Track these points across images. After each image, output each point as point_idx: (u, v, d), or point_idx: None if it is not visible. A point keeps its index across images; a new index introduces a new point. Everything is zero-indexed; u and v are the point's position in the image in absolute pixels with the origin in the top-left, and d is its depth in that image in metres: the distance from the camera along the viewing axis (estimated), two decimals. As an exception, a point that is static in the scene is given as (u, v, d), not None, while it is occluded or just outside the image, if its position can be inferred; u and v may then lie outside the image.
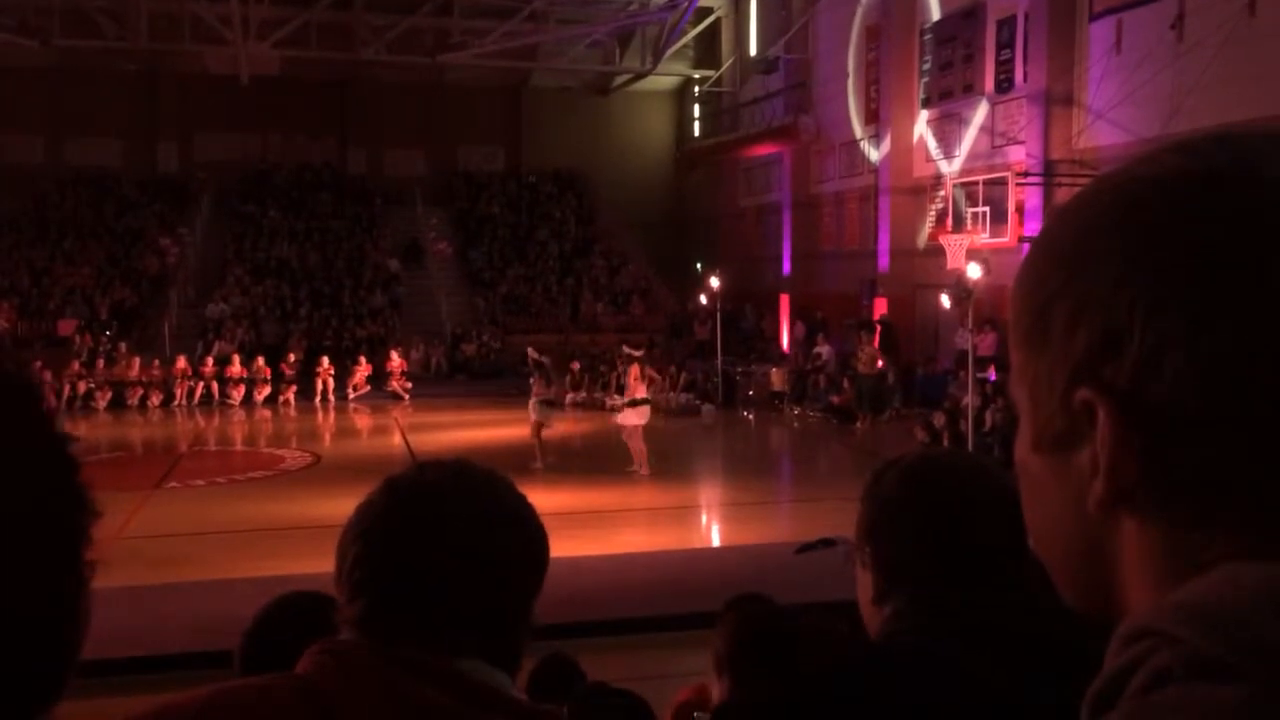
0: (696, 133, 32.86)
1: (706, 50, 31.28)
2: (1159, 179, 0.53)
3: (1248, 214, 0.50)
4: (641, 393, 13.73)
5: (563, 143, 32.10)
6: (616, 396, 13.99)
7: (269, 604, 1.80)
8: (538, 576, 1.12)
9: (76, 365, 21.86)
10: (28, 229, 27.08)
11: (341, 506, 1.23)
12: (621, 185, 31.71)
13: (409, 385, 22.95)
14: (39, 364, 21.32)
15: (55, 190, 28.29)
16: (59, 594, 0.54)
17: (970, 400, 14.12)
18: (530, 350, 15.08)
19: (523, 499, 1.15)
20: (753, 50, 29.20)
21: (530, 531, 1.13)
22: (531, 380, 14.43)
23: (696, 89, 32.55)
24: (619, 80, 31.91)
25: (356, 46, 27.70)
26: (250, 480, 13.88)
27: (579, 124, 32.29)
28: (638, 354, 15.05)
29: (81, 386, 21.61)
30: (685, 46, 30.49)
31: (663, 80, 31.72)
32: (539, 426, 13.96)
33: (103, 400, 21.56)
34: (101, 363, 22.19)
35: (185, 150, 30.80)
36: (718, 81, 31.05)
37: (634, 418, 13.59)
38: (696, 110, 33.10)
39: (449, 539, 1.07)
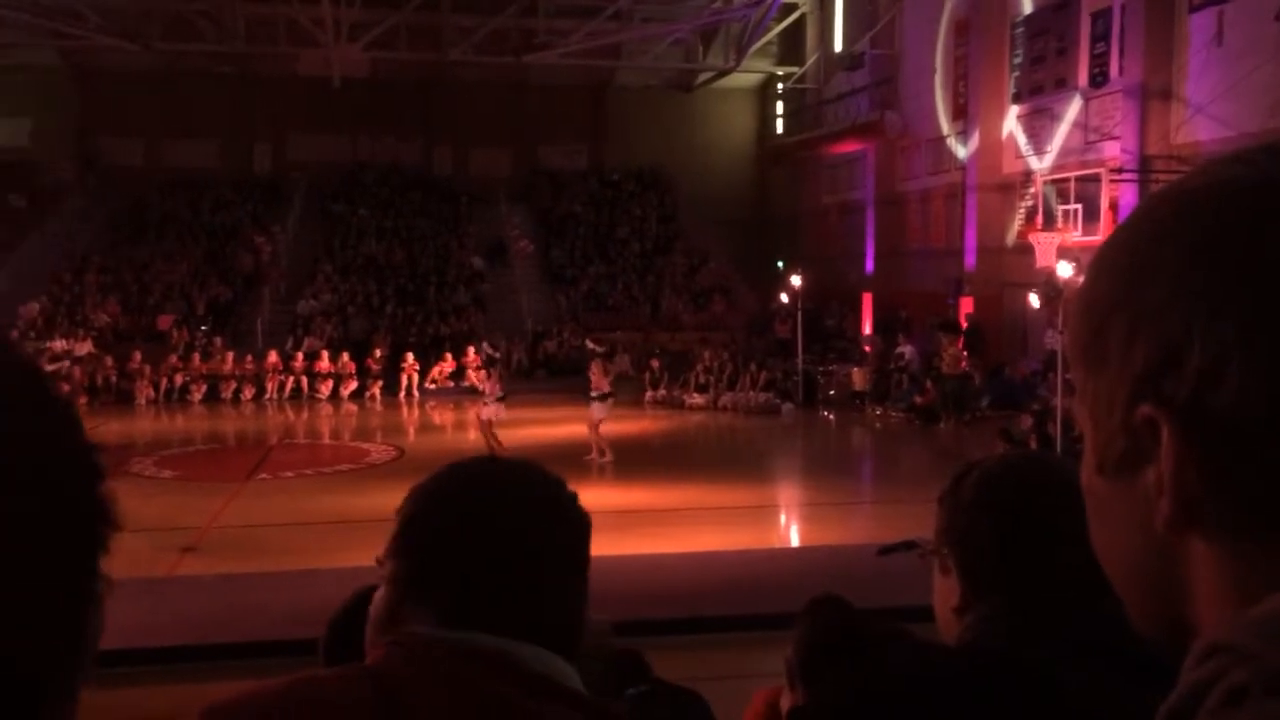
0: (779, 130, 32.64)
1: (790, 47, 31.04)
2: (1212, 190, 0.52)
3: None
4: (605, 387, 14.63)
5: (645, 141, 32.16)
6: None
7: (353, 594, 1.84)
8: (585, 571, 1.16)
9: (174, 359, 22.62)
10: (130, 228, 28.13)
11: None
12: (703, 183, 31.66)
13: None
14: (139, 356, 22.22)
15: (155, 190, 29.31)
16: (59, 605, 0.53)
17: (1059, 402, 13.77)
18: (485, 345, 15.79)
19: (574, 496, 1.18)
20: (838, 46, 28.89)
21: (579, 527, 1.16)
22: (489, 374, 15.03)
23: (780, 86, 32.33)
24: (702, 78, 31.86)
25: (444, 47, 28.13)
26: (337, 473, 14.21)
27: (661, 122, 32.32)
28: (600, 350, 15.63)
29: (178, 379, 22.36)
30: (769, 43, 30.31)
31: (746, 77, 31.58)
32: (490, 424, 14.67)
33: (198, 393, 22.28)
34: (198, 357, 22.93)
35: (279, 151, 31.66)
36: (801, 78, 30.80)
37: (599, 411, 14.45)
38: (779, 107, 32.87)
39: (504, 518, 1.11)
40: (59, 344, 22.14)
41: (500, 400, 14.89)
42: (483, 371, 15.01)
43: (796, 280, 22.04)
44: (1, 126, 29.70)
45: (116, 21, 26.13)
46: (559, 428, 17.13)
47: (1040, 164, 20.09)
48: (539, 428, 17.34)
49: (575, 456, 14.00)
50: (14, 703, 0.51)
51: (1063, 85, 19.41)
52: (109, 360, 22.24)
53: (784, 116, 32.67)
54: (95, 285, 25.43)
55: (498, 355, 15.63)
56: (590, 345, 17.28)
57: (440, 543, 1.11)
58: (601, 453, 14.31)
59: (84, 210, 28.15)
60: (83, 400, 20.33)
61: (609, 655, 2.31)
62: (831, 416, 20.29)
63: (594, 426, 14.51)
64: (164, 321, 24.38)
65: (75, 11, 25.11)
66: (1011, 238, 20.91)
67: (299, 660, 1.49)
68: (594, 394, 14.62)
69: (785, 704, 2.24)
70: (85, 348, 22.43)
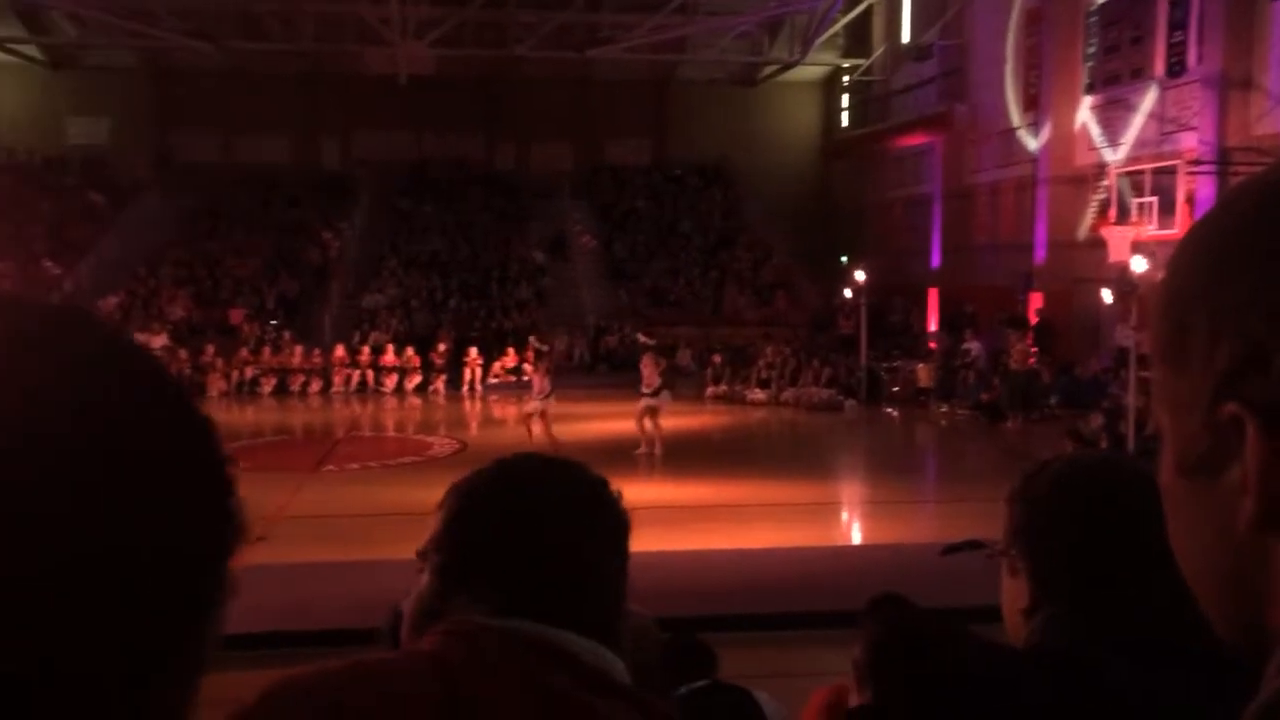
0: (845, 123, 32.32)
1: (856, 38, 30.72)
2: None
3: None
4: (656, 382, 14.69)
5: (708, 135, 32.08)
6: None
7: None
8: (625, 567, 1.18)
9: (245, 352, 23.15)
10: (203, 223, 28.81)
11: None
12: (767, 177, 31.49)
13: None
14: (211, 350, 22.76)
15: (227, 186, 29.97)
16: (187, 615, 0.55)
17: (1132, 400, 13.45)
18: (533, 339, 15.94)
19: (615, 495, 1.20)
20: (906, 37, 28.52)
21: (619, 525, 1.18)
22: (536, 367, 15.09)
23: (845, 78, 32.00)
24: (766, 71, 31.67)
25: (509, 44, 28.32)
26: (401, 465, 14.41)
27: (725, 116, 32.21)
28: (651, 343, 15.69)
29: (249, 372, 22.87)
30: (835, 35, 30.02)
31: (810, 70, 31.32)
32: (529, 416, 14.72)
33: (268, 386, 22.76)
34: (268, 350, 23.42)
35: (346, 147, 32.18)
36: (868, 70, 30.45)
37: (662, 404, 14.60)
38: (845, 100, 32.55)
39: (547, 515, 1.13)
40: (136, 337, 22.79)
41: (546, 397, 14.91)
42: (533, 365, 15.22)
43: (861, 275, 21.82)
44: (83, 125, 30.65)
45: (191, 22, 26.76)
46: (616, 422, 17.16)
47: (1114, 156, 19.63)
48: (596, 422, 17.39)
49: (631, 451, 14.03)
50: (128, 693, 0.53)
51: (1138, 75, 18.95)
52: (183, 353, 22.81)
53: (849, 109, 32.34)
54: (170, 280, 26.10)
55: (545, 350, 15.72)
56: (642, 339, 17.30)
57: (484, 538, 1.13)
58: (650, 444, 14.37)
59: (159, 206, 28.89)
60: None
61: (653, 649, 2.30)
62: (895, 413, 20.06)
63: (640, 418, 14.60)
64: (235, 315, 24.95)
65: (152, 13, 25.77)
66: (1083, 232, 20.47)
67: (363, 649, 1.50)
68: (646, 390, 14.65)
69: (853, 703, 2.23)
70: (160, 341, 23.03)
